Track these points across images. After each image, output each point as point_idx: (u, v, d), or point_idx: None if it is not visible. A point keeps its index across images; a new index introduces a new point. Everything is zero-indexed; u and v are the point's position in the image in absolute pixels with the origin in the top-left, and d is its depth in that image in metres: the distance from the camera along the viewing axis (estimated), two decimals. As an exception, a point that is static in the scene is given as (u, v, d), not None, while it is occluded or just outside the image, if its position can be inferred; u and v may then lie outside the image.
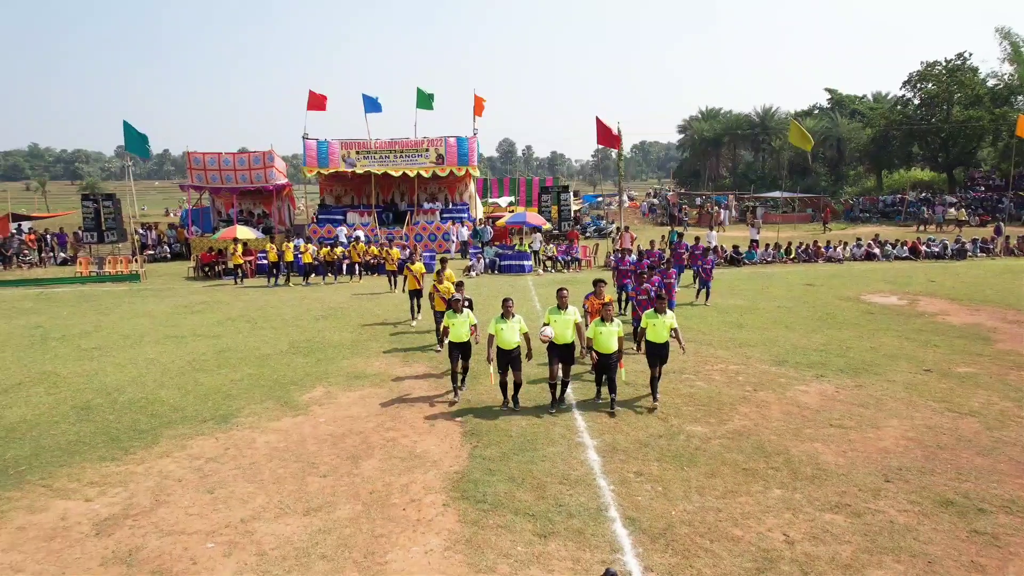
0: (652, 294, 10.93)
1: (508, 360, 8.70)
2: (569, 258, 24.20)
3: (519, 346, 8.71)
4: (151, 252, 26.72)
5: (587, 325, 9.45)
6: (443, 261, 13.25)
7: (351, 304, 17.78)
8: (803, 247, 24.74)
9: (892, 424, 8.54)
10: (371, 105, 28.14)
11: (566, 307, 8.89)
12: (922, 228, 34.26)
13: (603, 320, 8.73)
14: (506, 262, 23.51)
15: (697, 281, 17.30)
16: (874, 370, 10.86)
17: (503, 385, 8.87)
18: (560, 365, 8.77)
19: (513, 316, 8.74)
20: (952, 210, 35.09)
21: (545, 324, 8.87)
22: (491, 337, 8.68)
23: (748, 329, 13.93)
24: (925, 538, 5.83)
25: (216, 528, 6.22)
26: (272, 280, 21.51)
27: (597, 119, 23.23)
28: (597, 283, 10.28)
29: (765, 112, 64.11)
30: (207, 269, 22.63)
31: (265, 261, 22.07)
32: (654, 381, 9.03)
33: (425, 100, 28.07)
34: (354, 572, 5.47)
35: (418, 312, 14.65)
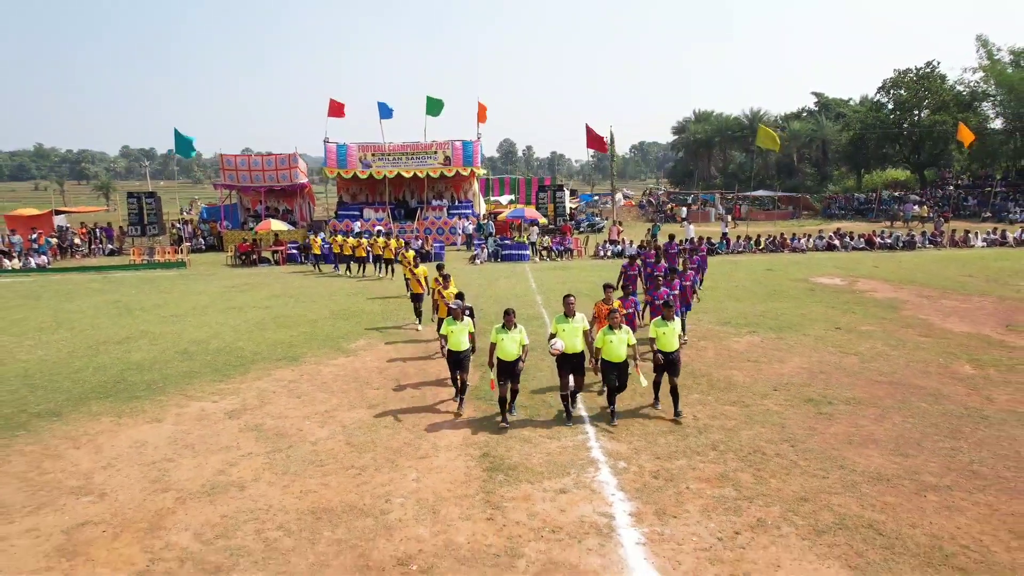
0: (668, 299, 10.16)
1: (508, 372, 8.44)
2: (562, 248, 27.20)
3: (520, 357, 8.53)
4: (188, 244, 29.67)
5: (594, 331, 9.23)
6: (440, 267, 12.59)
7: (375, 287, 20.74)
8: (771, 239, 27.72)
9: (794, 360, 11.47)
10: (385, 111, 31.11)
11: (573, 315, 8.52)
12: (890, 224, 37.16)
13: (611, 328, 8.37)
14: (507, 252, 26.51)
15: None
16: (796, 328, 13.80)
17: (502, 401, 8.49)
18: (572, 375, 8.55)
19: (515, 327, 8.48)
20: (916, 207, 38.02)
21: (552, 335, 8.51)
22: (492, 345, 8.45)
23: (705, 301, 16.79)
24: (786, 416, 8.77)
25: (309, 415, 9.17)
26: (338, 268, 23.44)
27: (587, 126, 26.26)
28: (606, 288, 9.90)
29: (754, 115, 67.09)
30: (243, 257, 25.60)
31: (296, 251, 25.06)
32: (656, 386, 9.04)
33: (434, 107, 31.05)
34: (407, 433, 8.42)
35: (421, 318, 14.19)
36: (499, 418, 8.58)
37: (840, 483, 6.87)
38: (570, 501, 6.59)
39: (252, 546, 5.87)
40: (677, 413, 8.67)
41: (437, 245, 27.36)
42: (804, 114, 66.36)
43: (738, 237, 27.94)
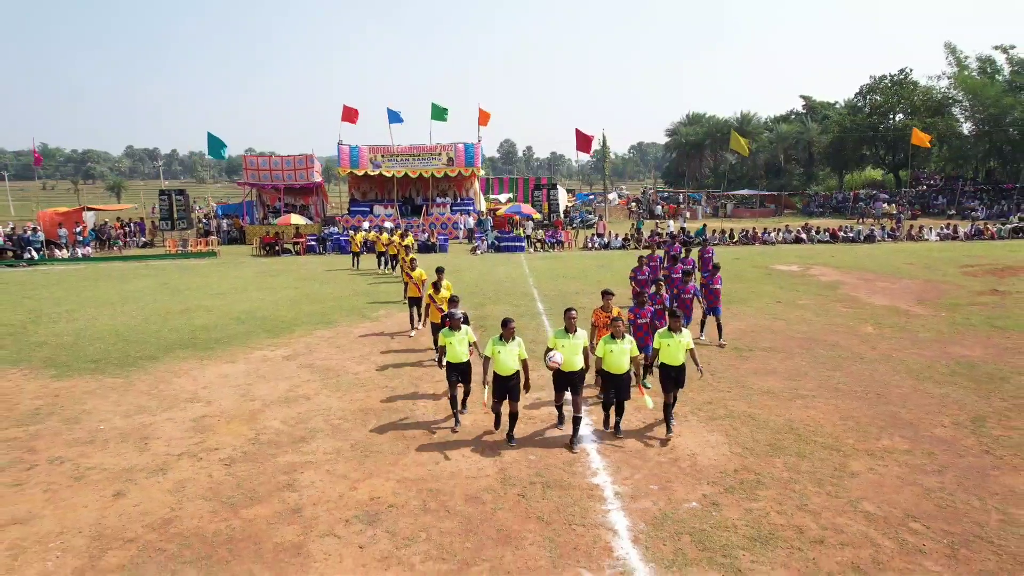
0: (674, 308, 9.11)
1: (505, 388, 7.80)
2: (554, 241, 30.00)
3: (518, 372, 7.83)
4: (216, 237, 32.50)
5: (594, 341, 8.68)
6: (440, 271, 11.92)
7: (392, 274, 23.52)
8: (744, 232, 30.46)
9: (733, 324, 14.13)
10: (394, 117, 33.94)
11: (575, 330, 7.82)
12: (859, 220, 39.88)
13: (613, 337, 7.81)
14: (504, 243, 29.32)
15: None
16: (744, 302, 16.51)
17: (498, 415, 8.15)
18: (570, 395, 7.93)
19: (513, 339, 7.85)
20: (885, 205, 40.78)
21: (550, 349, 7.87)
22: (487, 359, 7.88)
23: (674, 283, 19.60)
24: (712, 359, 11.44)
25: (350, 358, 11.89)
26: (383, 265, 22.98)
27: (577, 130, 28.95)
28: (605, 295, 9.18)
29: (744, 117, 69.84)
30: (267, 248, 28.38)
31: (314, 242, 27.88)
32: (667, 408, 8.09)
33: (439, 113, 33.83)
34: (425, 370, 11.14)
35: (418, 321, 13.29)
36: (499, 432, 8.23)
37: (738, 395, 9.60)
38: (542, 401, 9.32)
39: (323, 427, 8.60)
40: (667, 425, 8.15)
41: (441, 238, 30.20)
42: (792, 117, 69.06)
43: (713, 231, 30.73)
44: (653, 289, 10.92)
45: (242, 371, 11.17)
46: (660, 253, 16.68)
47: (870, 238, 30.12)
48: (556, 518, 6.24)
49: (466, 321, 9.09)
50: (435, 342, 10.27)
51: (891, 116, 50.83)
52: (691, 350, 8.11)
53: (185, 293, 19.03)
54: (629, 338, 7.97)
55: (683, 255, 15.83)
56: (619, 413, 8.11)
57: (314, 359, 11.86)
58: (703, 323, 13.06)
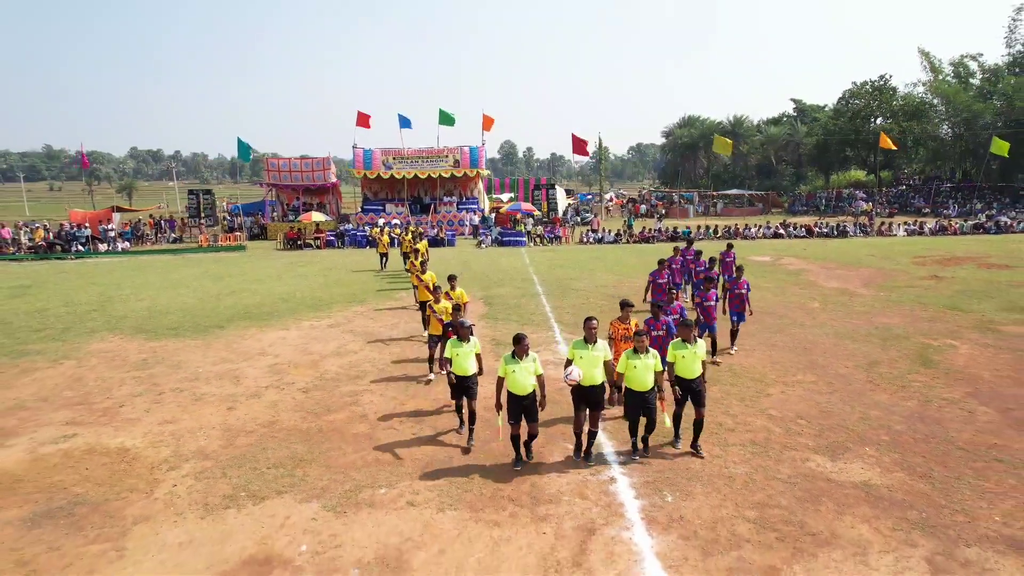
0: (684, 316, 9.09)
1: (521, 408, 7.27)
2: (552, 236, 32.58)
3: (535, 390, 7.32)
4: (238, 233, 35.11)
5: (612, 353, 7.96)
6: (452, 278, 11.83)
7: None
8: (727, 228, 33.01)
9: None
10: (404, 122, 36.58)
11: (595, 341, 7.33)
12: (823, 216, 42.36)
13: (636, 351, 7.35)
14: (507, 238, 31.91)
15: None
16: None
17: (515, 439, 7.38)
18: (587, 411, 7.38)
19: (527, 355, 7.28)
20: (864, 204, 43.36)
21: (569, 362, 7.38)
22: (500, 380, 7.36)
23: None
24: (680, 326, 14.01)
25: (382, 326, 14.44)
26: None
27: (573, 135, 31.48)
28: (624, 306, 8.87)
29: (736, 120, 72.46)
30: (290, 243, 30.97)
31: (333, 237, 30.48)
32: (678, 420, 7.87)
33: (447, 119, 36.43)
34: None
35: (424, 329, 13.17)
36: (512, 463, 7.44)
37: (695, 350, 12.11)
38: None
39: (371, 370, 11.13)
40: (695, 445, 7.65)
41: (449, 234, 32.82)
42: (784, 119, 71.63)
43: (697, 227, 33.31)
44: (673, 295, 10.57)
45: (296, 335, 13.73)
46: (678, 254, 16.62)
47: (843, 233, 32.67)
48: (552, 421, 8.79)
49: (471, 333, 8.67)
50: (430, 357, 10.36)
51: (872, 120, 53.44)
52: (704, 362, 7.68)
53: (227, 280, 21.60)
54: (653, 352, 7.48)
55: (697, 256, 16.07)
56: (649, 429, 7.55)
57: (353, 327, 14.42)
58: (733, 333, 12.19)
